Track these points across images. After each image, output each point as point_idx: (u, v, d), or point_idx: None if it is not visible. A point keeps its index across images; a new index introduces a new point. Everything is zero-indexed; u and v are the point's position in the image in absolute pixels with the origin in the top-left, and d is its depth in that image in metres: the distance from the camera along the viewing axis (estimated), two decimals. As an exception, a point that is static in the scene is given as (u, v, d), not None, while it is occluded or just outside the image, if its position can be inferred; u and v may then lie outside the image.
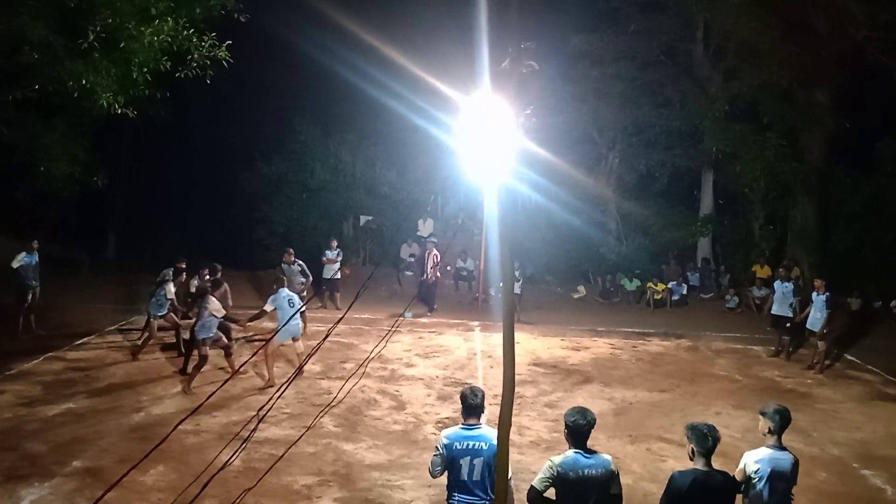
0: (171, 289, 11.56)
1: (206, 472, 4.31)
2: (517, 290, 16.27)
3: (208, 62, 12.33)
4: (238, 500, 6.00)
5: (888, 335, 15.42)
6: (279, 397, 4.80)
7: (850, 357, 13.64)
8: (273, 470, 7.44)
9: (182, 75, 12.42)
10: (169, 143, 21.43)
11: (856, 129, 17.79)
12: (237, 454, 4.58)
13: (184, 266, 11.96)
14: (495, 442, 4.61)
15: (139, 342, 11.96)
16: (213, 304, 10.16)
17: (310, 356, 5.78)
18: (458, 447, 4.90)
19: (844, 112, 17.87)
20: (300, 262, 13.78)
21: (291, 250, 13.89)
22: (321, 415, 8.44)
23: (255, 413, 8.83)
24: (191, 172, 21.52)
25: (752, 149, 17.90)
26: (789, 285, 13.62)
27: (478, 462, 4.86)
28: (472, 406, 5.02)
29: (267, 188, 21.42)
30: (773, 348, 13.79)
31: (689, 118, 20.30)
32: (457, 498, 4.93)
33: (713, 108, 18.72)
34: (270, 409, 5.33)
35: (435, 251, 17.03)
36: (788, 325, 13.40)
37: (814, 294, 12.63)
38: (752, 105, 18.37)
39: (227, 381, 9.27)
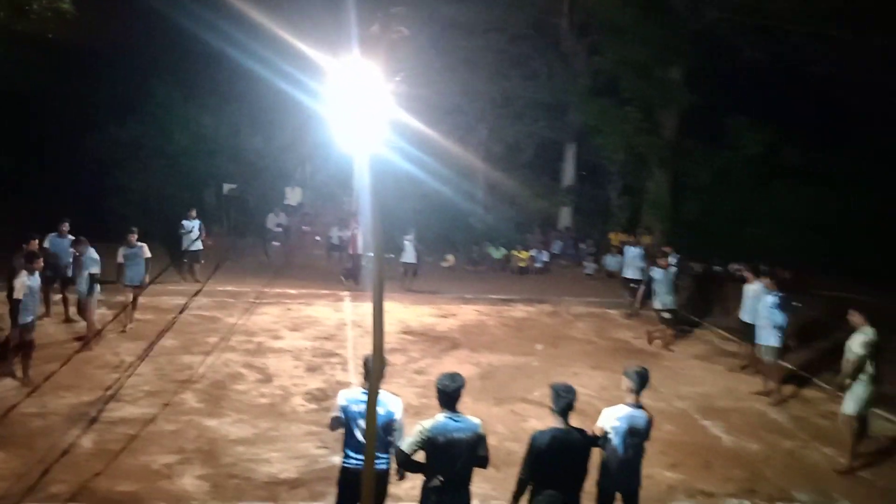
0: None
1: (55, 456, 4.03)
2: (412, 260, 16.23)
3: (50, 14, 11.30)
4: (89, 484, 5.66)
5: (728, 297, 16.77)
6: (129, 376, 4.55)
7: (693, 318, 14.77)
8: (130, 450, 7.09)
9: (20, 29, 11.32)
10: (4, 103, 19.49)
11: (706, 105, 19.06)
12: (85, 435, 4.31)
13: None
14: (390, 406, 4.94)
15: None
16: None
17: (165, 331, 5.47)
18: (354, 409, 5.02)
19: (696, 89, 19.08)
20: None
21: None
22: (180, 391, 8.12)
23: (108, 392, 8.36)
24: (33, 136, 19.74)
25: (613, 122, 18.79)
26: (637, 250, 14.74)
27: None
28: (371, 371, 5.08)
29: (121, 154, 20.04)
30: (628, 311, 14.75)
31: (555, 91, 20.99)
32: (352, 458, 5.03)
33: (577, 82, 19.42)
34: (122, 386, 5.05)
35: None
36: (633, 285, 14.55)
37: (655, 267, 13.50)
38: (614, 80, 19.20)
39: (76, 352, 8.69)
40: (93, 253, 10.62)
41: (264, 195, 21.03)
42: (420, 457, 4.79)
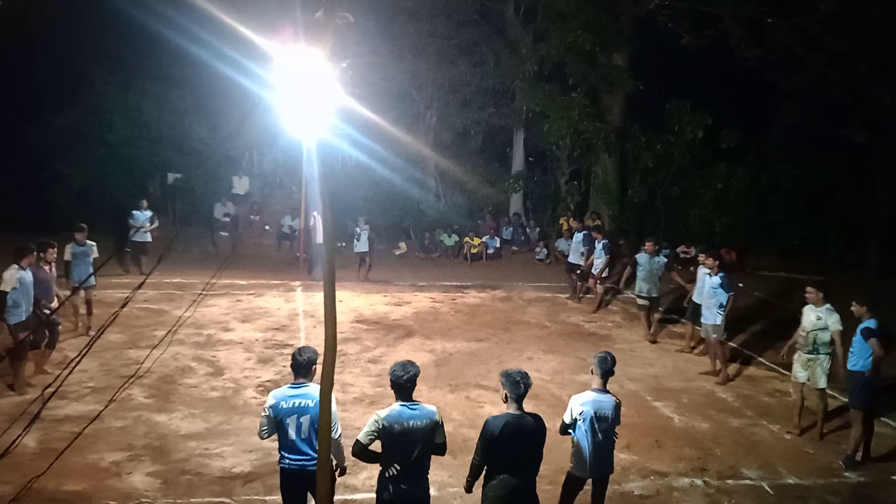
0: None
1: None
2: (365, 248, 16.03)
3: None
4: (34, 484, 5.48)
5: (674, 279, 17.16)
6: (70, 372, 4.41)
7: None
8: (76, 449, 6.88)
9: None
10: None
11: (648, 90, 19.37)
12: (29, 434, 4.16)
13: None
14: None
15: None
16: None
17: (107, 325, 5.26)
18: (285, 406, 4.88)
19: (639, 74, 19.37)
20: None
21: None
22: (125, 386, 7.91)
23: (52, 389, 8.08)
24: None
25: (559, 108, 18.91)
26: (579, 235, 15.00)
27: (304, 420, 4.84)
28: (298, 364, 5.01)
29: (58, 143, 19.33)
30: (567, 294, 15.10)
31: (502, 77, 21.02)
32: (287, 458, 4.91)
33: (524, 69, 19.46)
34: (62, 383, 4.88)
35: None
36: (579, 271, 14.80)
37: (595, 242, 14.08)
38: (560, 66, 19.32)
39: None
40: None
41: (210, 184, 20.57)
42: (376, 447, 4.76)
